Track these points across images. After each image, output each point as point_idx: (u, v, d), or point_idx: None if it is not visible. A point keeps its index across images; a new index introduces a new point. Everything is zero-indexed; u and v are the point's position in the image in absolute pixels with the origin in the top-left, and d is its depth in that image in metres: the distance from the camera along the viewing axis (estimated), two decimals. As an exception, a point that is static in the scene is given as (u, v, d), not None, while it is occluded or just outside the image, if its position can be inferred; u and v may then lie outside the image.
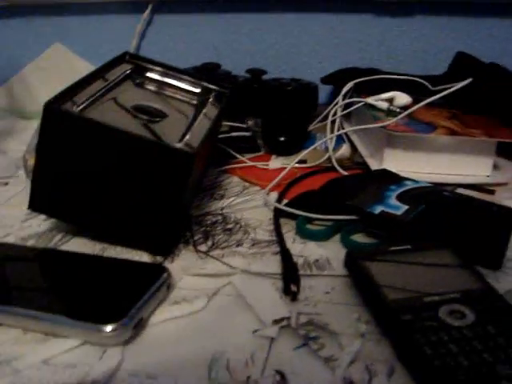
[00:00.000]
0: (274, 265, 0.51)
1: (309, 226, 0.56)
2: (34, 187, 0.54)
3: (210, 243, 0.55)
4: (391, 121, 0.67)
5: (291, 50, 0.89)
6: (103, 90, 0.56)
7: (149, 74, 0.64)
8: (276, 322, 0.43)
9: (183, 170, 0.50)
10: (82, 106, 0.52)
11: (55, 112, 0.50)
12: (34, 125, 0.91)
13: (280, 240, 0.53)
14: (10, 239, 0.57)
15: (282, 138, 0.74)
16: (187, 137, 0.53)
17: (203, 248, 0.54)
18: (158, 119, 0.56)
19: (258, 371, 0.38)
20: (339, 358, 0.39)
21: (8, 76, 0.98)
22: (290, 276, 0.47)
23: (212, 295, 0.47)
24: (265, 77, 0.78)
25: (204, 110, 0.60)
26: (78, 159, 0.51)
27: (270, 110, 0.75)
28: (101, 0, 0.90)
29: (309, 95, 0.77)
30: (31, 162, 0.66)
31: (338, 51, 0.88)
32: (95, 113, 0.52)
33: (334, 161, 0.69)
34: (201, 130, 0.55)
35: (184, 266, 0.51)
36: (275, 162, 0.72)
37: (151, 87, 0.62)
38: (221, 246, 0.55)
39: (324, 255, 0.52)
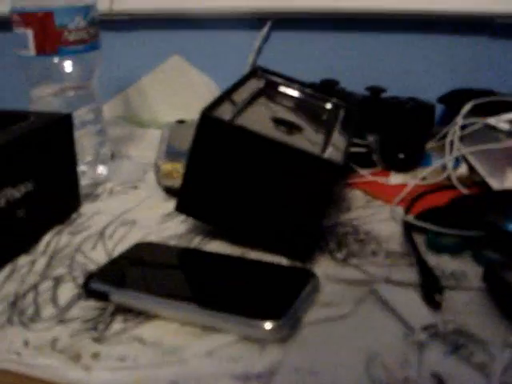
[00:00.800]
0: (412, 275, 0.52)
1: (440, 240, 0.58)
2: (182, 190, 0.57)
3: (345, 252, 0.57)
4: (515, 142, 0.68)
5: (406, 69, 0.90)
6: (243, 103, 0.59)
7: (280, 89, 0.67)
8: (425, 328, 0.45)
9: (330, 180, 0.52)
10: (230, 115, 0.55)
11: (211, 119, 0.53)
12: (154, 133, 0.95)
13: (416, 252, 0.55)
14: (151, 239, 0.60)
15: (402, 156, 0.75)
16: (329, 150, 0.55)
17: (339, 256, 0.56)
18: (295, 132, 0.59)
19: (414, 373, 0.40)
20: (492, 366, 0.40)
21: (125, 86, 1.02)
22: (433, 286, 0.49)
23: (358, 301, 0.49)
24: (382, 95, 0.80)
25: (337, 126, 0.62)
26: (227, 165, 0.54)
27: (389, 128, 0.77)
28: (220, 16, 0.93)
29: (426, 114, 0.78)
30: (164, 167, 0.70)
31: (453, 72, 0.89)
32: (244, 122, 0.55)
33: (454, 179, 0.70)
34: (339, 145, 0.57)
35: (324, 273, 0.53)
36: (395, 178, 0.74)
37: (283, 101, 0.65)
38: (356, 256, 0.56)
39: (459, 268, 0.54)
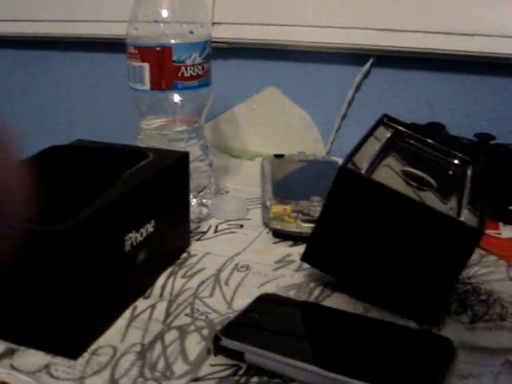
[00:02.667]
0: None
1: None
2: (312, 241, 0.56)
3: (470, 314, 0.55)
4: None
5: (510, 114, 0.88)
6: (375, 155, 0.57)
7: (408, 140, 0.65)
8: None
9: (467, 246, 0.51)
10: (364, 170, 0.53)
11: (349, 173, 0.52)
12: (249, 164, 0.94)
13: None
14: (270, 287, 0.59)
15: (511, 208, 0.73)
16: (465, 212, 0.53)
17: (465, 319, 0.55)
18: (425, 188, 0.57)
19: None
20: None
21: (217, 113, 1.02)
22: None
23: (497, 373, 0.47)
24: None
25: (467, 185, 0.60)
26: (360, 219, 0.53)
27: (498, 177, 0.74)
28: (321, 49, 0.92)
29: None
30: (274, 209, 0.69)
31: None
32: (378, 177, 0.53)
33: None
34: (474, 207, 0.56)
35: (454, 337, 0.51)
36: (506, 231, 0.71)
37: (411, 153, 0.63)
38: (483, 319, 0.55)
39: None
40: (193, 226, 0.72)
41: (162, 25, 0.69)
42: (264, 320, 0.51)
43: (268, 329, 0.50)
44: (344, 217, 0.54)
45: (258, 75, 0.99)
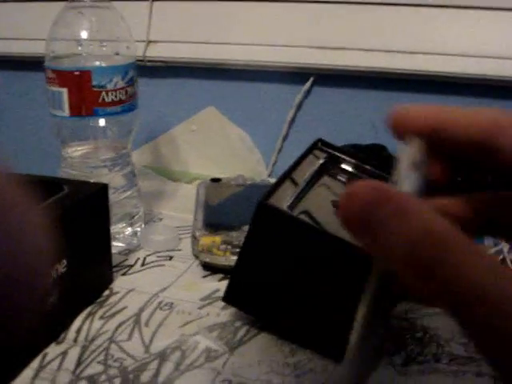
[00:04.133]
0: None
1: None
2: (232, 282, 0.53)
3: (403, 354, 0.52)
4: None
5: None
6: (304, 184, 0.54)
7: (342, 165, 0.62)
8: None
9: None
10: (289, 203, 0.50)
11: (267, 208, 0.49)
12: (186, 188, 0.90)
13: None
14: (192, 328, 0.55)
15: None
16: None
17: (397, 360, 0.51)
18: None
19: None
20: None
21: (156, 134, 0.98)
22: None
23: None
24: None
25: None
26: (283, 258, 0.50)
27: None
28: (261, 68, 0.89)
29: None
30: (203, 241, 0.65)
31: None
32: (303, 210, 0.50)
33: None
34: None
35: (386, 382, 0.48)
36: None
37: (344, 180, 0.60)
38: (416, 360, 0.51)
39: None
40: (120, 258, 0.68)
41: (80, 47, 0.64)
42: None
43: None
44: (265, 254, 0.50)
45: (197, 95, 0.95)
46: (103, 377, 0.49)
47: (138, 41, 0.90)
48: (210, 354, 0.52)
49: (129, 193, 0.70)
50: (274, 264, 0.50)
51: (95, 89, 0.64)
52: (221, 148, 0.95)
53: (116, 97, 0.66)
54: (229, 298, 0.54)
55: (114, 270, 0.65)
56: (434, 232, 0.23)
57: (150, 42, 0.94)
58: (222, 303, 0.59)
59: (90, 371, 0.50)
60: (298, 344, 0.53)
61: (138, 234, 0.72)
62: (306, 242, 0.49)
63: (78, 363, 0.51)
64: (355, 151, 0.70)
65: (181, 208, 0.81)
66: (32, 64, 0.99)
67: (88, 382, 0.49)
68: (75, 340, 0.54)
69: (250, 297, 0.53)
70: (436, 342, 0.54)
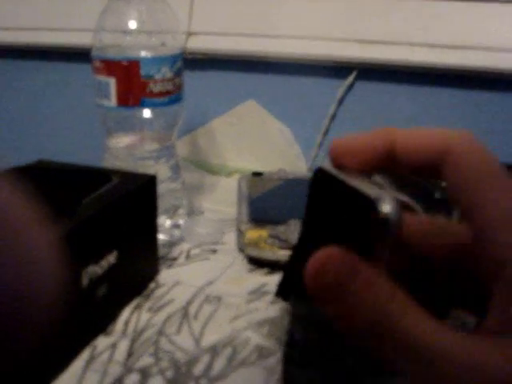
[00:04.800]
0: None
1: None
2: (286, 273, 0.51)
3: None
4: None
5: (492, 128, 0.84)
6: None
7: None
8: None
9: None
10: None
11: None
12: (226, 182, 0.90)
13: None
14: (242, 323, 0.55)
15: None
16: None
17: None
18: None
19: None
20: None
21: (195, 127, 0.97)
22: None
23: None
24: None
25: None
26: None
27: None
28: (303, 62, 0.88)
29: None
30: (249, 235, 0.64)
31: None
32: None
33: None
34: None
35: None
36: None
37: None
38: None
39: None
40: (164, 251, 0.67)
41: (128, 37, 0.64)
42: None
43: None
44: (323, 233, 0.49)
45: (237, 88, 0.94)
46: (155, 369, 0.49)
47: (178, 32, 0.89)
48: (262, 351, 0.51)
49: (174, 185, 0.69)
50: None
51: (143, 79, 0.64)
52: (260, 142, 0.94)
53: (163, 87, 0.65)
54: (282, 291, 0.53)
55: (159, 262, 0.64)
56: (392, 305, 0.27)
57: (190, 33, 0.93)
58: (271, 298, 0.58)
59: (141, 363, 0.49)
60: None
61: (181, 226, 0.71)
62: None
63: (129, 355, 0.50)
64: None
65: (222, 201, 0.81)
66: (72, 55, 0.99)
67: (140, 373, 0.48)
68: (124, 332, 0.54)
69: (304, 291, 0.52)
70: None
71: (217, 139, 0.97)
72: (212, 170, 0.95)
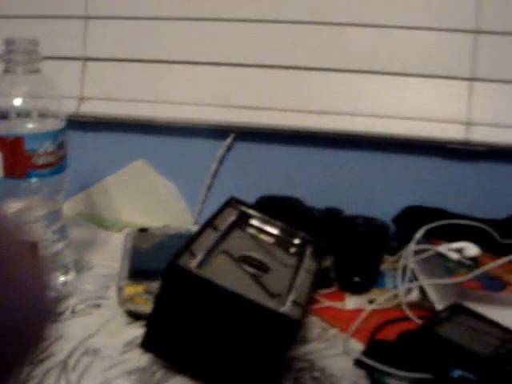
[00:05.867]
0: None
1: (387, 380, 0.61)
2: (148, 331, 0.59)
3: (301, 392, 0.60)
4: (464, 277, 0.72)
5: (363, 185, 0.95)
6: (214, 242, 0.61)
7: (252, 221, 0.70)
8: None
9: (288, 334, 0.55)
10: (198, 260, 0.57)
11: (177, 269, 0.56)
12: (117, 237, 0.96)
13: None
14: (115, 372, 0.62)
15: (357, 279, 0.79)
16: (289, 301, 0.58)
17: (296, 398, 0.59)
18: (261, 273, 0.61)
19: None
20: None
21: (89, 184, 1.05)
22: None
23: None
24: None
25: (304, 264, 0.65)
26: (191, 311, 0.57)
27: (344, 250, 0.80)
28: (185, 125, 0.97)
29: (381, 236, 0.82)
30: (127, 290, 0.71)
31: (408, 190, 0.93)
32: (210, 268, 0.57)
33: (405, 308, 0.73)
34: (302, 290, 0.60)
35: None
36: (351, 302, 0.77)
37: (253, 233, 0.68)
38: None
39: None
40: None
41: (13, 115, 0.71)
42: None
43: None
44: (175, 308, 0.57)
45: (128, 148, 1.03)
46: (31, 420, 0.55)
47: (71, 97, 0.97)
48: (129, 396, 0.59)
49: (62, 244, 0.76)
50: (184, 317, 0.57)
51: (28, 153, 0.71)
52: (149, 198, 1.02)
53: (46, 160, 0.72)
54: (146, 345, 0.60)
55: (45, 318, 0.70)
56: None
57: (82, 98, 1.01)
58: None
59: (19, 415, 0.56)
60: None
61: (69, 283, 0.77)
62: (211, 298, 0.56)
63: (9, 408, 0.56)
64: (269, 205, 0.79)
65: (110, 257, 0.88)
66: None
67: (17, 424, 0.54)
68: (6, 386, 0.60)
69: (164, 345, 0.60)
70: (329, 380, 0.62)
71: (110, 195, 1.04)
72: (105, 225, 1.02)
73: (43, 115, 0.73)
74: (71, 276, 0.79)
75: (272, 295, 0.59)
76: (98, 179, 1.04)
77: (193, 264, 0.57)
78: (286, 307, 0.56)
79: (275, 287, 0.60)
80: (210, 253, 0.60)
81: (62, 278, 0.77)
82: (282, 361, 0.57)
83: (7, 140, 0.71)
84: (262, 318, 0.54)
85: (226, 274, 0.58)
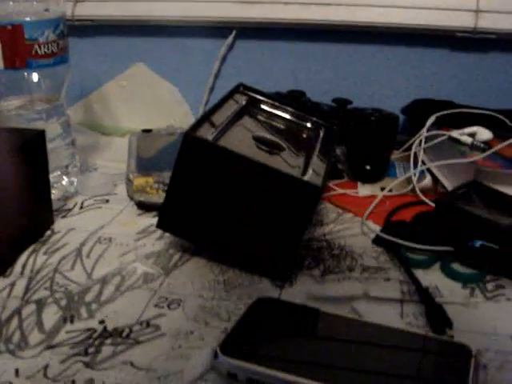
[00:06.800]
0: (389, 290, 0.54)
1: (410, 255, 0.60)
2: (164, 208, 0.58)
3: (321, 268, 0.59)
4: (480, 156, 0.71)
5: (368, 79, 0.92)
6: (226, 122, 0.60)
7: (263, 106, 0.68)
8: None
9: (310, 203, 0.54)
10: (213, 135, 0.55)
11: (194, 139, 0.54)
12: (118, 141, 0.95)
13: (413, 278, 0.57)
14: (130, 257, 0.61)
15: (368, 167, 0.77)
16: (309, 171, 0.56)
17: (316, 272, 0.58)
18: (276, 151, 0.60)
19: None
20: None
21: (88, 92, 1.02)
22: (441, 319, 0.51)
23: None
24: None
25: (317, 146, 0.64)
26: (209, 184, 0.55)
27: (355, 140, 0.79)
28: (185, 24, 0.94)
29: (391, 126, 0.80)
30: (137, 182, 0.70)
31: (415, 83, 0.91)
32: (226, 142, 0.55)
33: (419, 193, 0.72)
34: (319, 166, 0.59)
35: (304, 291, 0.55)
36: (364, 190, 0.76)
37: (265, 119, 0.66)
38: (333, 272, 0.58)
39: (432, 283, 0.56)
40: (59, 204, 0.72)
41: (11, 3, 0.68)
42: (261, 331, 0.48)
43: (266, 341, 0.47)
44: (193, 182, 0.56)
45: (126, 52, 1.00)
46: (50, 299, 0.54)
47: (66, 0, 0.93)
48: (147, 277, 0.58)
49: (65, 142, 0.74)
50: (203, 190, 0.56)
51: (28, 42, 0.68)
52: (151, 102, 1.00)
53: (48, 49, 0.70)
54: (162, 223, 0.59)
55: (54, 214, 0.69)
56: None
57: (77, 1, 0.97)
58: (157, 235, 0.65)
59: (37, 296, 0.55)
60: (228, 264, 0.59)
61: (75, 183, 0.76)
62: (231, 168, 0.54)
63: (26, 291, 0.56)
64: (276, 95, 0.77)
65: (115, 158, 0.86)
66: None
67: (36, 304, 0.53)
68: (22, 273, 0.59)
69: (180, 222, 0.58)
70: (351, 256, 0.61)
71: (110, 102, 1.02)
72: (106, 132, 1.00)
73: (42, 6, 0.70)
74: (76, 176, 0.77)
75: (292, 167, 0.57)
76: (97, 86, 1.02)
77: (210, 136, 0.55)
78: (307, 176, 0.55)
79: (293, 162, 0.58)
80: (225, 128, 0.58)
81: (66, 178, 0.75)
82: (301, 233, 0.56)
83: (6, 29, 0.68)
84: (285, 186, 0.53)
85: (244, 148, 0.57)
